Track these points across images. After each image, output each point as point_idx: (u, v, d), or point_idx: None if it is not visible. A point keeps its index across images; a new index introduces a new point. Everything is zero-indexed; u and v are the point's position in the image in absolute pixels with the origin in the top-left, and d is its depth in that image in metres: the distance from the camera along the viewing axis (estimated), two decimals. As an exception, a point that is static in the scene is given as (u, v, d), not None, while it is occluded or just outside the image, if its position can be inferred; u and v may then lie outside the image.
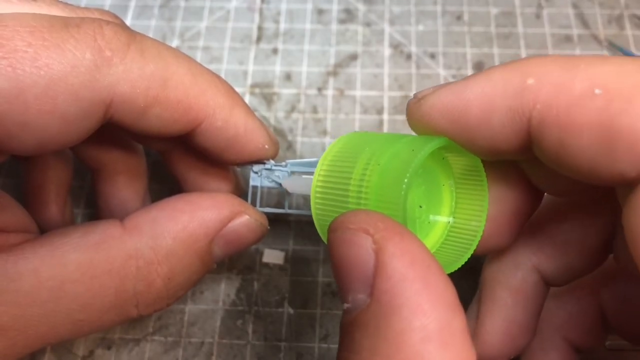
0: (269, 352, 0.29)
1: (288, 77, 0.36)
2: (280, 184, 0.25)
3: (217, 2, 0.40)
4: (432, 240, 0.21)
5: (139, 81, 0.20)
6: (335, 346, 0.29)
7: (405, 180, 0.17)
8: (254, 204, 0.25)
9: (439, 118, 0.18)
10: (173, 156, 0.27)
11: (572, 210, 0.21)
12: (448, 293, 0.14)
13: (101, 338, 0.29)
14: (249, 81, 0.36)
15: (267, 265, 0.31)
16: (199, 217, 0.21)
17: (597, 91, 0.15)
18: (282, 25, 0.38)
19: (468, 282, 0.29)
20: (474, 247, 0.20)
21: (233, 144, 0.23)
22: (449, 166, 0.21)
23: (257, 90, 0.36)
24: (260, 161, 0.25)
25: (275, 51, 0.37)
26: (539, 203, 0.21)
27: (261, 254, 0.31)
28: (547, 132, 0.16)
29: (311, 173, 0.24)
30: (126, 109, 0.20)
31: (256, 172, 0.25)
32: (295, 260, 0.31)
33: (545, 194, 0.21)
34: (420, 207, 0.21)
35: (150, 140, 0.26)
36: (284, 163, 0.25)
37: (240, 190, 0.29)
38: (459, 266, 0.19)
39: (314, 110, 0.35)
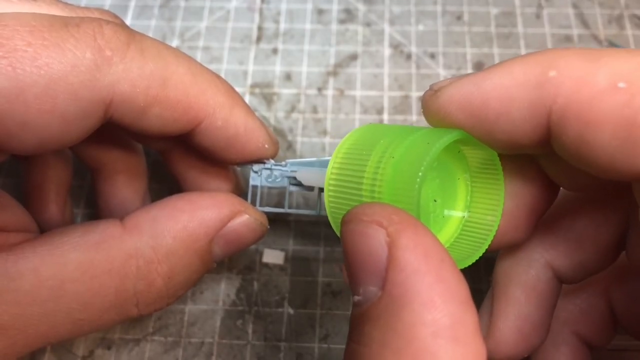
0: (269, 352, 0.29)
1: (288, 77, 0.36)
2: (286, 178, 0.25)
3: (217, 2, 0.40)
4: (446, 234, 0.21)
5: (139, 80, 0.20)
6: (335, 346, 0.29)
7: (420, 173, 0.16)
8: (253, 203, 0.25)
9: (456, 111, 0.18)
10: (173, 156, 0.27)
11: (586, 206, 0.21)
12: (461, 288, 0.14)
13: (101, 338, 0.29)
14: (249, 81, 0.36)
15: (267, 265, 0.31)
16: (199, 216, 0.21)
17: (620, 85, 0.14)
18: (282, 25, 0.39)
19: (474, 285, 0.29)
20: (488, 242, 0.20)
21: (233, 143, 0.23)
22: (465, 159, 0.21)
23: (257, 90, 0.36)
24: (260, 161, 0.25)
25: (275, 51, 0.37)
26: (554, 198, 0.20)
27: (261, 254, 0.31)
28: (567, 127, 0.15)
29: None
30: (126, 108, 0.20)
31: (256, 172, 0.25)
32: (295, 260, 0.31)
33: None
34: (435, 201, 0.21)
35: (150, 139, 0.26)
36: (283, 163, 0.25)
37: (240, 190, 0.29)
38: (474, 261, 0.19)
39: (314, 110, 0.35)
